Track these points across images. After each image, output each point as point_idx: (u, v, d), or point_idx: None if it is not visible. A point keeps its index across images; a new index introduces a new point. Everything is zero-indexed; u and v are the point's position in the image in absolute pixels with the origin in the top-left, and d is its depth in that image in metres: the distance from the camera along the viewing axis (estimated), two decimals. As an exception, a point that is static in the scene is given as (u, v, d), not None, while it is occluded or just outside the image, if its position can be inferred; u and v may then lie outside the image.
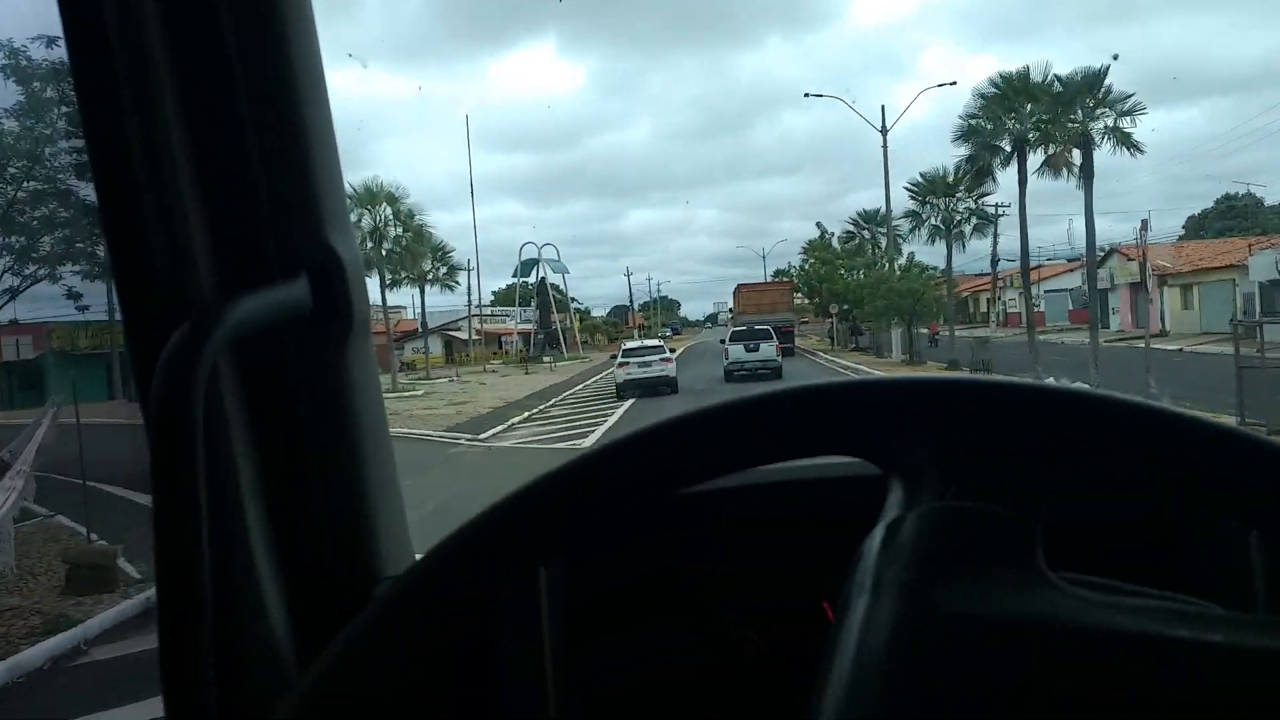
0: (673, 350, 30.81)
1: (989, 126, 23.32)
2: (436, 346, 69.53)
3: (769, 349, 29.19)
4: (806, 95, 37.04)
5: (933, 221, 32.98)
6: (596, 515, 0.54)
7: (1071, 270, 67.56)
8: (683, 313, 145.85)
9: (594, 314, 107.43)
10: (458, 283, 39.41)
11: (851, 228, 50.72)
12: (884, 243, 45.76)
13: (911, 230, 33.84)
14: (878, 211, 47.91)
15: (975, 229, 33.37)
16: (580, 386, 31.76)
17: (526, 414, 22.35)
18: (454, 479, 12.72)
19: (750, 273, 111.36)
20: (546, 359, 47.48)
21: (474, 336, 55.16)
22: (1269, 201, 59.32)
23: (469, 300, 52.79)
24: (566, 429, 19.17)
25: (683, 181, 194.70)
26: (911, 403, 0.53)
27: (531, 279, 56.60)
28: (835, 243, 50.15)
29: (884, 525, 0.50)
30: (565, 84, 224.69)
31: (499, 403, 25.80)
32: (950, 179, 32.28)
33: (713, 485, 0.55)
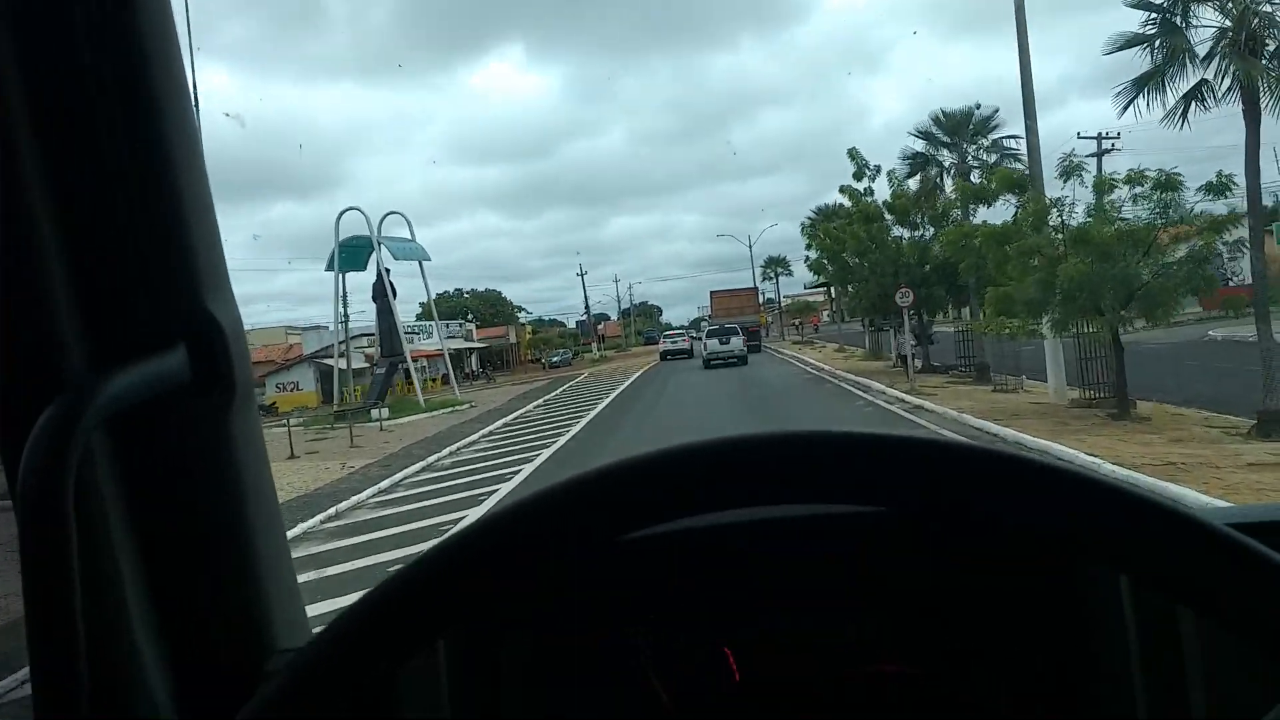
0: (695, 336, 53.30)
1: None
2: (309, 380, 49.38)
3: (737, 342, 39.34)
4: None
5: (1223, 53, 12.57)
6: (500, 580, 0.49)
7: None
8: (665, 319, 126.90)
9: (569, 325, 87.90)
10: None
11: (921, 147, 27.24)
12: (976, 171, 25.24)
13: (1148, 84, 13.50)
14: (972, 112, 26.00)
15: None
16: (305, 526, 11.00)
17: None
18: None
19: (738, 276, 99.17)
20: (375, 414, 26.32)
21: (345, 366, 34.00)
22: None
23: (335, 316, 33.76)
24: None
25: (661, 187, 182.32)
26: None
27: (367, 272, 32.01)
28: (886, 182, 26.90)
29: None
30: (537, 92, 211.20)
31: None
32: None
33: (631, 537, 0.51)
